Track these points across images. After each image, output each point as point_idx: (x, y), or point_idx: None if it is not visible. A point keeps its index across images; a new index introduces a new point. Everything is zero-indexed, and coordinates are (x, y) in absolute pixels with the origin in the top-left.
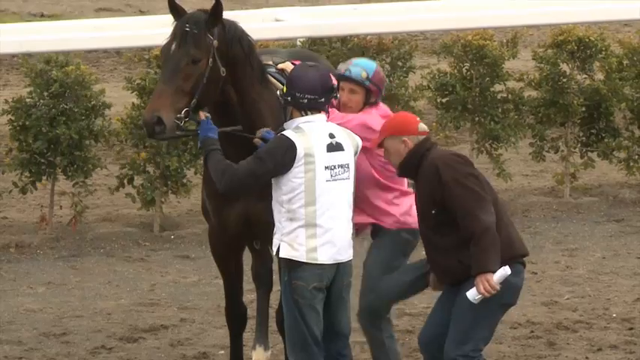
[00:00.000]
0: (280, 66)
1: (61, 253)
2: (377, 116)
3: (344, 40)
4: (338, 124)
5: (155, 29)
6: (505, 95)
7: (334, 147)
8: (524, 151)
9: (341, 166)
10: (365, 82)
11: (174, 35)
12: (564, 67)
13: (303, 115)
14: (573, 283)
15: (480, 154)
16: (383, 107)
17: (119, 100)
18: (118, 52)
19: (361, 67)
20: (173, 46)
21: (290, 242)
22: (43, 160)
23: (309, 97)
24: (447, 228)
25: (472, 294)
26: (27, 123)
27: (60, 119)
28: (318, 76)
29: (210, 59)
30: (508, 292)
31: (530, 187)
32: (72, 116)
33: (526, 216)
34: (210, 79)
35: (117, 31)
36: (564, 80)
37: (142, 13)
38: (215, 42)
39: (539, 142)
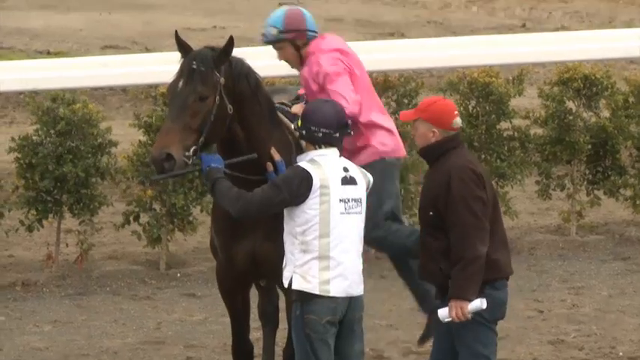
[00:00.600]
0: (294, 110)
1: (67, 291)
2: (328, 42)
3: None
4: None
5: (161, 66)
6: (511, 133)
7: (348, 180)
8: (530, 189)
9: (354, 200)
10: (280, 36)
11: (182, 72)
12: (570, 104)
13: (317, 149)
14: (579, 321)
15: None
16: (328, 37)
17: (125, 137)
18: (124, 89)
19: (270, 25)
20: (180, 84)
21: (303, 274)
22: (49, 198)
23: (324, 131)
24: (440, 232)
25: (443, 314)
26: (33, 161)
27: (66, 157)
28: (334, 111)
29: (217, 97)
30: (497, 309)
31: (536, 224)
32: (78, 154)
33: (532, 254)
34: (218, 117)
35: (123, 69)
36: (570, 118)
37: (148, 50)
38: (222, 79)
39: (545, 180)
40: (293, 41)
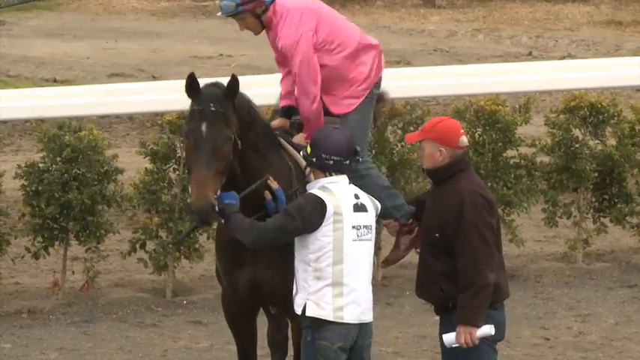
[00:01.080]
0: (297, 140)
1: (73, 319)
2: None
3: None
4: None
5: (167, 94)
6: (517, 161)
7: (359, 207)
8: (536, 217)
9: (365, 226)
10: (239, 9)
11: (202, 116)
12: (577, 132)
13: (327, 176)
14: (586, 349)
15: None
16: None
17: (132, 165)
18: (130, 117)
19: None
20: (204, 128)
21: (316, 301)
22: (55, 226)
23: (335, 158)
24: (443, 254)
25: (449, 339)
26: (40, 188)
27: (72, 184)
28: (344, 138)
29: (233, 135)
30: (498, 330)
31: (542, 252)
32: (84, 181)
33: (538, 281)
34: (235, 154)
35: (129, 97)
36: (577, 146)
37: (154, 78)
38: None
39: (551, 208)
40: (253, 11)
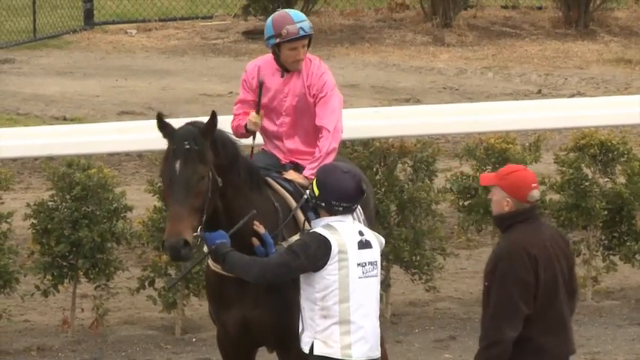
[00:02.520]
0: (287, 176)
1: (82, 356)
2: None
3: (366, 143)
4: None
5: None
6: None
7: (364, 244)
8: None
9: (370, 263)
10: (312, 31)
11: (176, 154)
12: (586, 170)
13: (332, 217)
14: None
15: None
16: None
17: (141, 202)
18: (139, 155)
19: (304, 19)
20: (177, 165)
21: (324, 340)
22: (65, 263)
23: (344, 205)
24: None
25: None
26: (49, 226)
27: (82, 222)
28: (354, 183)
29: (210, 172)
30: None
31: None
32: (94, 219)
33: None
34: (213, 192)
35: (139, 134)
36: (586, 184)
37: (163, 116)
38: (210, 152)
39: None
40: (310, 37)
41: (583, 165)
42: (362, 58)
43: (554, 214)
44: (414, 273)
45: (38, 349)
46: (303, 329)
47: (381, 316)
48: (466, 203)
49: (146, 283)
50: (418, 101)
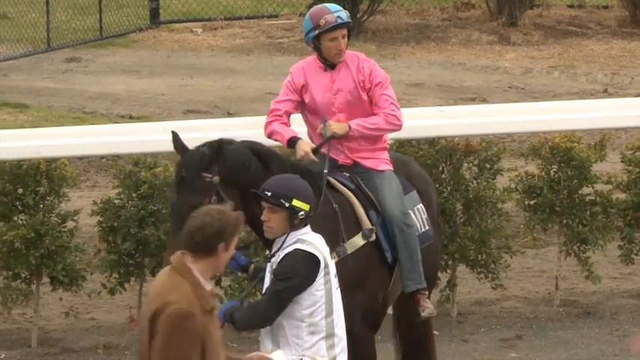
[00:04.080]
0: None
1: None
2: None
3: (431, 142)
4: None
5: (241, 130)
6: (593, 198)
7: (331, 256)
8: (612, 254)
9: (335, 274)
10: (350, 19)
11: (175, 182)
12: None
13: (299, 229)
14: None
15: (568, 256)
16: None
17: None
18: None
19: (341, 8)
20: (174, 195)
21: (312, 356)
22: (131, 261)
23: (312, 213)
24: None
25: None
26: (115, 224)
27: (148, 220)
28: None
29: (214, 197)
30: None
31: (618, 289)
32: (160, 217)
33: (614, 319)
34: None
35: (204, 133)
36: None
37: (229, 114)
38: (216, 178)
39: (627, 245)
40: (349, 27)
41: None
42: (427, 57)
43: (621, 213)
44: (480, 272)
45: (104, 347)
46: (280, 347)
47: (448, 315)
48: (531, 202)
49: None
50: (484, 100)
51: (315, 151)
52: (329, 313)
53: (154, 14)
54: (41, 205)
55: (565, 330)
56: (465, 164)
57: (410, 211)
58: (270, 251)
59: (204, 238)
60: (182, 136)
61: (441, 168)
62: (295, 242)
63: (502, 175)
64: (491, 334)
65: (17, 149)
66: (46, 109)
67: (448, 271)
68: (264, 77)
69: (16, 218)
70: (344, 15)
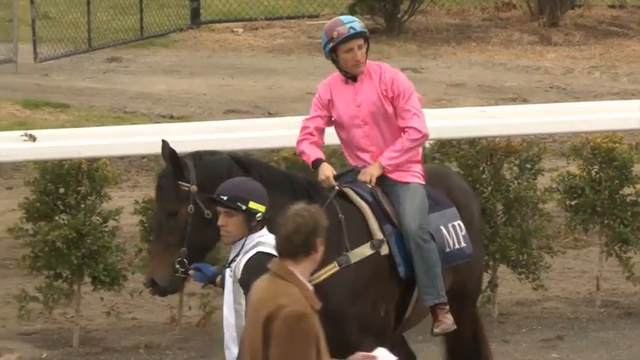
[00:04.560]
0: (362, 177)
1: (189, 354)
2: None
3: (472, 142)
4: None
5: (283, 130)
6: (634, 198)
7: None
8: None
9: None
10: (365, 30)
11: (155, 191)
12: None
13: (257, 232)
14: None
15: (610, 257)
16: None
17: None
18: (246, 153)
19: (354, 19)
20: (156, 203)
21: None
22: None
23: (268, 214)
24: None
25: None
26: None
27: None
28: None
29: (191, 206)
30: None
31: None
32: None
33: None
34: (195, 225)
35: (245, 133)
36: None
37: (270, 114)
38: (193, 187)
39: None
40: (366, 36)
41: None
42: (468, 58)
43: None
44: (521, 272)
45: (146, 347)
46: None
47: (489, 315)
48: (573, 203)
49: None
50: (525, 100)
51: (336, 178)
52: None
53: (195, 14)
54: (83, 205)
55: (606, 331)
56: (506, 164)
57: (425, 227)
58: (229, 257)
59: (303, 239)
60: (223, 136)
61: (481, 168)
62: (255, 245)
63: (543, 175)
64: (533, 334)
65: (59, 149)
66: (87, 109)
67: (489, 271)
68: (305, 77)
69: (57, 218)
70: (357, 25)
